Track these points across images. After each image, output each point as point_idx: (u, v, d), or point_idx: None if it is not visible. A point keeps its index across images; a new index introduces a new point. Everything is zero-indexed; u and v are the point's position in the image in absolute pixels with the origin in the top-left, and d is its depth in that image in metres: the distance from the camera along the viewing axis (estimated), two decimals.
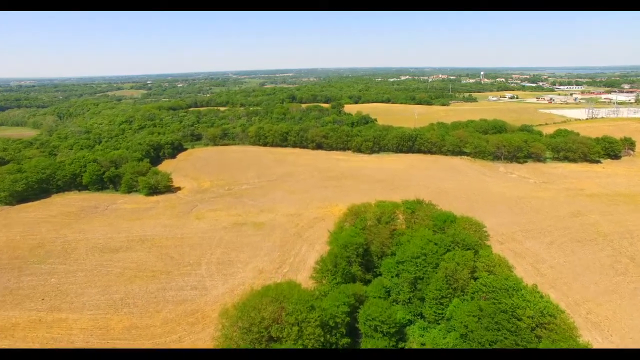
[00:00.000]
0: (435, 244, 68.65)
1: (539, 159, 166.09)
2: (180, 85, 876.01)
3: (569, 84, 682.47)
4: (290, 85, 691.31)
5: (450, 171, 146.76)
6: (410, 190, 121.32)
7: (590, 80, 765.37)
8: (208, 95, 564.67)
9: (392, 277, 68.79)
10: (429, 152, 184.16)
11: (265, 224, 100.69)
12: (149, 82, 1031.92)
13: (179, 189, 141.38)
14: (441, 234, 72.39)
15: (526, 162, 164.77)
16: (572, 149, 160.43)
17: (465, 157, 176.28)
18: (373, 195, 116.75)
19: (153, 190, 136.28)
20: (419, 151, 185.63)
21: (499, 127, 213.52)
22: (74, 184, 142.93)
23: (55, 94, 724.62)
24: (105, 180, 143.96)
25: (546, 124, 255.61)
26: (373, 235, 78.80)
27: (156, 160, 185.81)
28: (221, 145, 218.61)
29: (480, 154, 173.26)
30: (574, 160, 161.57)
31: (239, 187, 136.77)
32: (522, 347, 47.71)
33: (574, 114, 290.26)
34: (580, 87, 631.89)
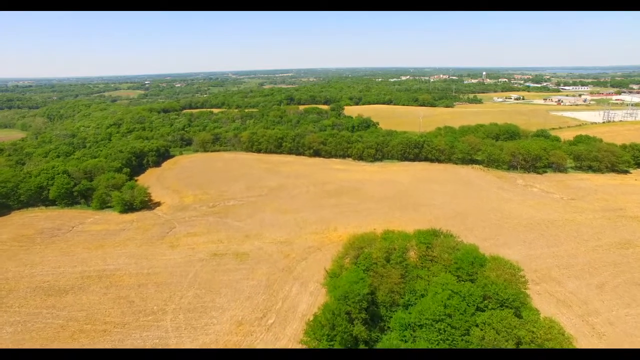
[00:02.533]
0: (463, 298, 52.73)
1: (559, 169, 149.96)
2: (179, 85, 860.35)
3: (574, 84, 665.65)
4: (289, 86, 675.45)
5: (464, 185, 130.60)
6: (420, 211, 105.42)
7: (595, 80, 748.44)
8: (205, 95, 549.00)
9: (406, 341, 52.85)
10: (437, 160, 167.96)
11: (249, 254, 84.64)
12: (146, 82, 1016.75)
13: (158, 204, 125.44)
14: (468, 283, 56.36)
15: (545, 172, 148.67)
16: (597, 158, 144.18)
17: (477, 165, 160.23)
18: (377, 218, 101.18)
19: (128, 207, 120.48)
20: (426, 159, 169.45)
21: (511, 132, 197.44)
22: (40, 198, 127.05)
23: (50, 95, 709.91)
24: (76, 195, 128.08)
25: (560, 127, 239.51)
26: (380, 279, 62.88)
27: (139, 169, 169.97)
28: (212, 151, 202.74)
29: (493, 162, 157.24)
30: (599, 171, 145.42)
31: (225, 204, 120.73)
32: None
33: (588, 116, 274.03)
34: (586, 87, 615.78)
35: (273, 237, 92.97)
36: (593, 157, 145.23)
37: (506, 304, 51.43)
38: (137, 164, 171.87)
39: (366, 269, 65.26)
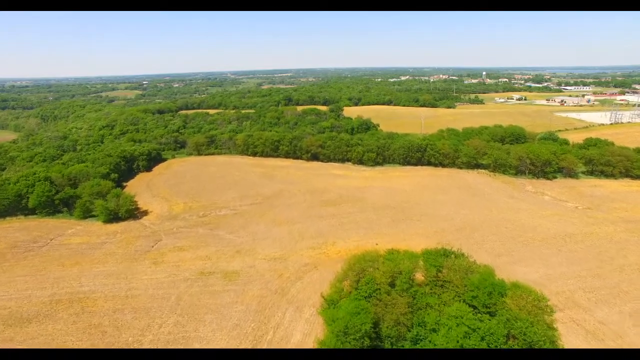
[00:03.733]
0: (482, 337, 45.05)
1: (570, 174, 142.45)
2: (177, 85, 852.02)
3: (576, 84, 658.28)
4: (288, 86, 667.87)
5: (471, 192, 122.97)
6: (425, 222, 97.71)
7: (596, 80, 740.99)
8: (202, 96, 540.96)
9: None
10: (441, 164, 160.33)
11: (239, 273, 76.89)
12: (144, 82, 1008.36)
13: (145, 213, 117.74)
14: (486, 317, 48.71)
15: (555, 177, 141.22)
16: (611, 162, 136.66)
17: (483, 170, 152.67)
18: (379, 230, 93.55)
19: (113, 217, 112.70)
20: (429, 163, 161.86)
21: (517, 135, 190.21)
22: (19, 207, 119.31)
23: (46, 95, 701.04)
24: (57, 203, 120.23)
25: (566, 129, 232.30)
26: (384, 308, 55.25)
27: (128, 174, 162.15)
28: (206, 154, 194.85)
29: (500, 167, 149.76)
30: (612, 176, 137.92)
31: (216, 213, 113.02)
32: None
33: (594, 117, 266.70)
34: (588, 87, 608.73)
35: (266, 252, 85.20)
36: (606, 161, 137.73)
37: (535, 347, 43.82)
38: (127, 169, 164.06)
39: (368, 295, 57.69)
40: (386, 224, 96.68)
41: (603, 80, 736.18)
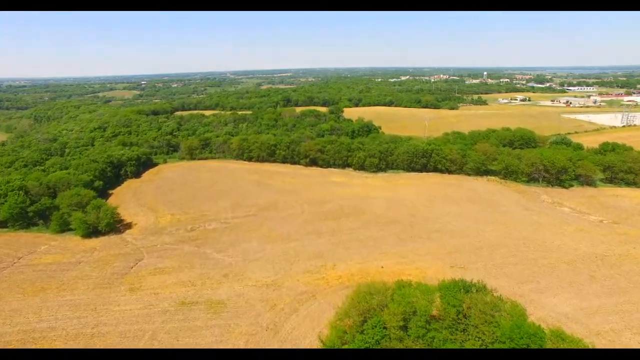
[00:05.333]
0: None
1: (587, 182, 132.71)
2: (175, 85, 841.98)
3: (579, 84, 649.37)
4: (287, 86, 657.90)
5: (483, 203, 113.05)
6: (436, 239, 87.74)
7: (599, 80, 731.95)
8: (201, 96, 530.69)
9: None
10: (447, 170, 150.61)
11: (226, 304, 66.91)
12: (143, 82, 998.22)
13: (129, 226, 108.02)
14: None
15: (572, 186, 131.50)
16: (633, 169, 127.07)
17: (492, 177, 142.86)
18: (385, 250, 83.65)
19: (93, 231, 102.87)
20: (435, 169, 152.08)
21: (526, 139, 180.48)
22: None
23: (42, 95, 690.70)
24: (32, 216, 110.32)
25: (576, 132, 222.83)
26: None
27: (115, 181, 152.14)
28: (199, 159, 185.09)
29: (511, 174, 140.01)
30: (634, 184, 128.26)
31: (205, 226, 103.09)
32: None
33: (604, 119, 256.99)
34: (591, 87, 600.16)
35: (257, 276, 75.22)
36: (627, 168, 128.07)
37: None
38: (114, 175, 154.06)
39: (375, 342, 47.88)
40: (392, 242, 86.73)
41: (606, 80, 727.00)
